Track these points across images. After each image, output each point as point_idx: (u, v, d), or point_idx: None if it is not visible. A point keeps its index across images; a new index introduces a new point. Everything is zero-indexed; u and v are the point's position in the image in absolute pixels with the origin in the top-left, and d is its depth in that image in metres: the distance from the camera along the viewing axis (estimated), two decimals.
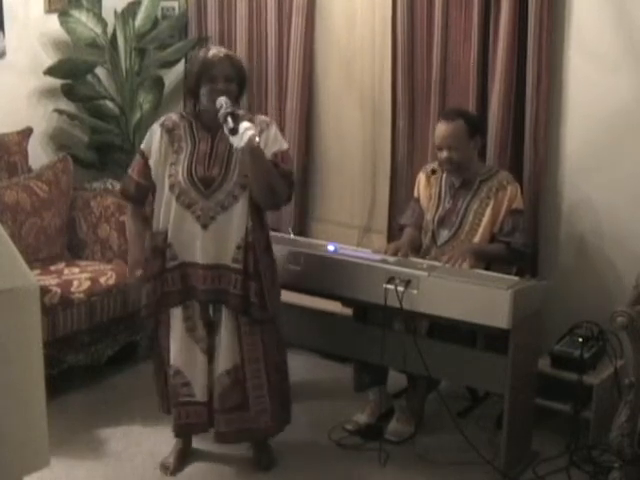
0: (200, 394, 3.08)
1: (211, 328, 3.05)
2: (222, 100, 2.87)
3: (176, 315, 3.05)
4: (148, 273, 3.06)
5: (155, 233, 3.04)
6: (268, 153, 2.95)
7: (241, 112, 2.95)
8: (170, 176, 2.98)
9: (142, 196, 3.12)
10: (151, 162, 3.02)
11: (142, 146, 3.08)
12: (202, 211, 2.95)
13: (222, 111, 2.85)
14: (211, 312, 3.03)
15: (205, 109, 2.99)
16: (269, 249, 3.09)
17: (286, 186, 3.00)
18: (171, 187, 2.97)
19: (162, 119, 3.07)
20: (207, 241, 2.96)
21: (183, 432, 3.22)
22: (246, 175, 2.94)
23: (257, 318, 3.02)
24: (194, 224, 2.96)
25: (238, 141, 2.83)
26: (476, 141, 3.42)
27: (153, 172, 3.02)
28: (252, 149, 2.84)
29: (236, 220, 2.96)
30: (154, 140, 3.03)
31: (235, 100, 2.97)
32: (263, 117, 3.12)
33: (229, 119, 2.82)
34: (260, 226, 3.03)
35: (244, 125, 2.84)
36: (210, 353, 3.06)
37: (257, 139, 2.85)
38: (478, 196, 3.42)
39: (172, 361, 3.08)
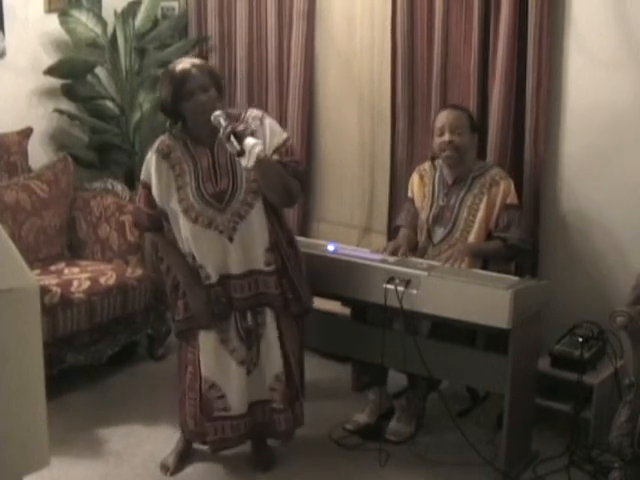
0: (236, 407, 3.06)
1: (248, 337, 3.03)
2: (218, 116, 2.81)
3: (207, 330, 3.02)
4: (184, 290, 3.03)
5: (186, 254, 3.00)
6: (270, 149, 2.90)
7: (241, 127, 2.87)
8: (181, 200, 2.93)
9: (157, 225, 3.05)
10: (153, 191, 2.97)
11: (142, 177, 3.02)
12: (223, 225, 2.92)
13: (223, 131, 2.78)
14: (249, 319, 3.01)
15: (193, 125, 2.93)
16: (292, 244, 3.08)
17: (298, 180, 2.97)
18: (185, 211, 2.92)
19: (155, 145, 2.99)
20: (237, 251, 2.94)
21: (219, 448, 3.17)
22: (255, 180, 2.90)
23: (296, 312, 3.04)
24: (220, 239, 2.93)
25: (246, 161, 2.78)
26: (474, 137, 3.46)
27: (157, 200, 2.96)
28: (260, 162, 2.80)
29: (257, 225, 2.94)
30: (152, 169, 2.96)
31: (219, 105, 2.90)
32: (255, 111, 3.04)
33: (233, 141, 2.76)
34: (279, 224, 3.02)
35: (249, 143, 2.78)
36: (249, 364, 3.04)
37: (263, 152, 2.81)
38: (471, 192, 3.42)
39: (204, 373, 3.04)
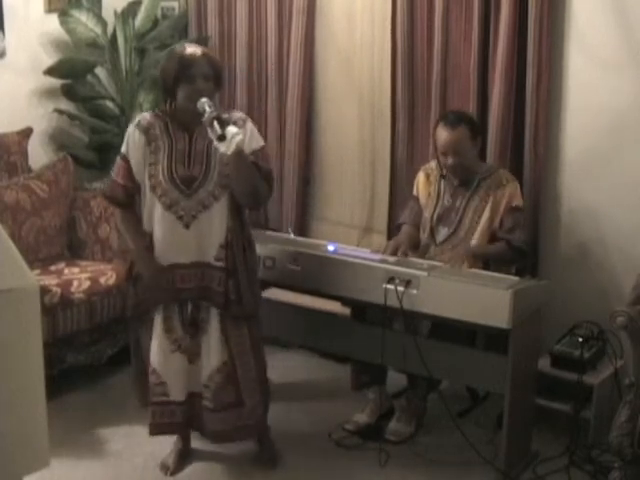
0: (175, 393, 3.09)
1: (192, 328, 3.05)
2: (204, 103, 2.84)
3: (157, 315, 3.06)
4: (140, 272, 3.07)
5: (146, 233, 3.04)
6: (247, 151, 2.93)
7: (225, 115, 2.92)
8: (151, 177, 2.97)
9: (131, 199, 3.09)
10: (132, 163, 3.01)
11: (122, 149, 3.05)
12: (184, 211, 2.96)
13: (207, 115, 2.81)
14: (189, 310, 3.03)
15: (181, 108, 2.97)
16: (249, 247, 3.09)
17: (267, 186, 3.01)
18: (153, 188, 2.97)
19: (137, 119, 3.05)
20: (190, 240, 2.98)
21: (157, 431, 3.19)
22: (226, 175, 2.94)
23: (235, 314, 3.03)
24: (176, 224, 2.96)
25: (225, 148, 2.80)
26: (477, 143, 3.44)
27: (135, 173, 3.01)
28: (238, 153, 2.84)
29: (217, 219, 2.97)
30: (131, 142, 3.01)
31: (212, 97, 2.94)
32: (239, 114, 3.09)
33: (216, 125, 2.79)
34: (240, 225, 3.04)
35: (231, 131, 2.81)
36: (191, 353, 3.07)
37: (243, 143, 2.85)
38: (477, 194, 3.42)
39: (150, 358, 3.10)
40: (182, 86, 2.92)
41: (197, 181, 2.96)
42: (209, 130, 2.83)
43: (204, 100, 2.85)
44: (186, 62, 2.91)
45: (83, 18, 4.32)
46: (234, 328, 3.05)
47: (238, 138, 2.81)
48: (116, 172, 3.07)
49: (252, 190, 2.95)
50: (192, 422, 3.16)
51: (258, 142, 3.02)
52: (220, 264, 2.99)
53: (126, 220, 3.12)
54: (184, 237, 2.97)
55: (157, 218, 2.98)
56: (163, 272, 3.01)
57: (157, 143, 2.99)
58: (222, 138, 2.79)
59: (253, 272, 3.11)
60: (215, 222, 2.97)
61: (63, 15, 4.30)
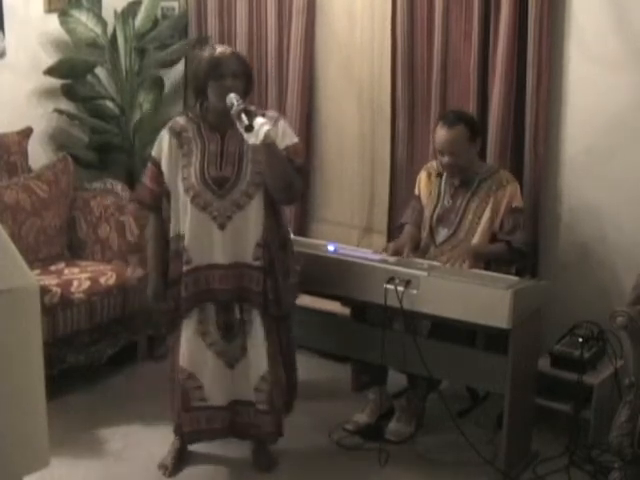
0: (215, 398, 3.07)
1: (228, 331, 3.04)
2: (232, 97, 2.84)
3: (189, 318, 3.04)
4: (172, 277, 3.05)
5: (174, 237, 3.02)
6: (280, 147, 2.93)
7: (253, 107, 2.93)
8: (184, 179, 2.97)
9: (157, 203, 3.09)
10: (163, 167, 3.01)
11: (152, 153, 3.06)
12: (218, 211, 2.94)
13: (235, 108, 2.81)
14: (237, 313, 3.02)
15: (213, 108, 2.97)
16: (285, 247, 3.08)
17: (300, 180, 3.00)
18: (186, 190, 2.96)
19: (169, 124, 3.05)
20: (226, 241, 2.96)
21: (193, 439, 3.20)
22: (259, 172, 2.93)
23: (273, 314, 3.02)
24: (211, 225, 2.95)
25: (254, 138, 2.80)
26: (477, 144, 3.43)
27: (166, 177, 3.01)
28: (268, 145, 2.83)
29: (253, 218, 2.96)
30: (163, 145, 3.01)
31: (243, 97, 2.94)
32: (271, 112, 3.11)
33: (243, 116, 2.79)
34: (276, 223, 3.03)
35: (259, 121, 2.80)
36: (229, 357, 3.05)
37: (272, 134, 2.85)
38: (477, 195, 3.42)
39: (182, 363, 3.06)
40: (212, 84, 2.91)
41: (229, 182, 2.95)
42: (237, 123, 2.82)
43: (232, 95, 2.85)
44: (215, 61, 2.92)
45: (83, 18, 4.32)
46: (269, 330, 3.03)
47: (266, 128, 2.79)
48: (145, 175, 3.10)
49: (286, 184, 2.92)
50: (236, 429, 3.14)
51: (291, 139, 3.01)
52: (258, 263, 2.97)
53: (151, 224, 3.15)
54: (220, 238, 2.95)
55: (190, 220, 2.96)
56: (189, 275, 2.98)
57: (190, 146, 2.98)
58: (249, 129, 2.78)
59: (291, 271, 3.09)
60: (251, 221, 2.96)
61: (63, 15, 4.31)
